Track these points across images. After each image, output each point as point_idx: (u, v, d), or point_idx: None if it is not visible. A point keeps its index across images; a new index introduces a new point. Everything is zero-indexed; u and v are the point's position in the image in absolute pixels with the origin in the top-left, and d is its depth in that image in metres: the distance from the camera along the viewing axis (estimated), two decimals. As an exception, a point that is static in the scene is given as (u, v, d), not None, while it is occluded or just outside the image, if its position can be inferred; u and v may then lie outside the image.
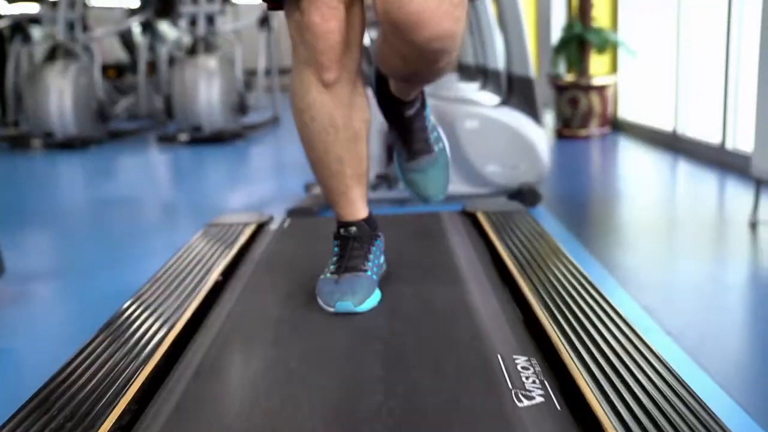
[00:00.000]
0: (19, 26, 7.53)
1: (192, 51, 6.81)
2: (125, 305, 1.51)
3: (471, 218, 2.20)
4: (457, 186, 3.60)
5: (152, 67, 8.83)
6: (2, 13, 8.19)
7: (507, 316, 1.39)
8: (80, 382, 1.15)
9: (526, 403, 1.04)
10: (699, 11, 5.11)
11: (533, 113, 3.67)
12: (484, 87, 5.12)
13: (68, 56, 6.78)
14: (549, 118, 6.88)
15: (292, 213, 3.38)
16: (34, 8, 8.32)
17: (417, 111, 1.51)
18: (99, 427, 1.00)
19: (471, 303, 1.43)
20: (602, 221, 3.52)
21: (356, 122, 1.38)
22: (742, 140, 4.29)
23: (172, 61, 8.03)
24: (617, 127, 6.42)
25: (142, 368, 1.19)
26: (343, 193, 1.42)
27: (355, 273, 1.38)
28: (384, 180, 3.53)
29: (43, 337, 2.16)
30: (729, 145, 4.46)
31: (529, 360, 1.18)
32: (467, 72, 6.95)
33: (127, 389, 1.12)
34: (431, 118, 1.59)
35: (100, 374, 1.18)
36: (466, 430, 0.98)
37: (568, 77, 6.20)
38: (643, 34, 6.19)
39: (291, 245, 1.94)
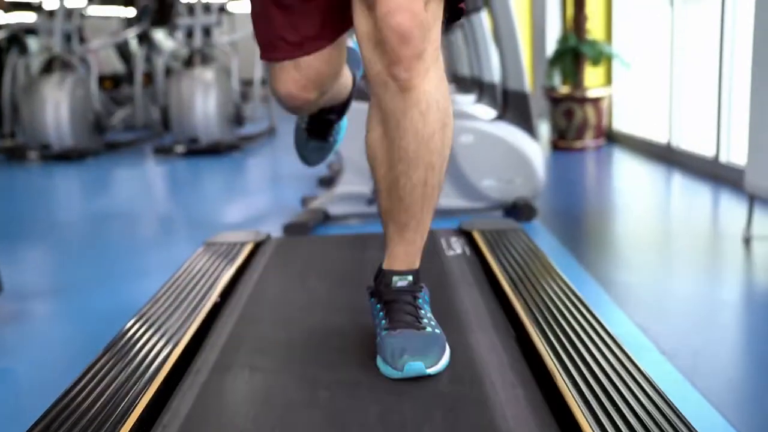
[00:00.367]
0: (16, 37, 7.54)
1: (189, 63, 6.84)
2: (127, 326, 1.53)
3: (467, 236, 2.23)
4: (453, 200, 3.62)
5: (149, 77, 8.86)
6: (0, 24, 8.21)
7: (501, 340, 1.41)
8: (85, 404, 1.17)
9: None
10: (692, 24, 5.15)
11: (528, 128, 3.70)
12: (480, 100, 5.14)
13: (65, 68, 6.80)
14: (544, 129, 6.93)
15: (289, 228, 3.39)
16: (30, 17, 8.34)
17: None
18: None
19: (466, 323, 1.45)
20: (597, 236, 3.55)
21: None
22: (736, 153, 4.33)
23: (168, 71, 8.06)
24: (612, 138, 6.46)
25: (144, 392, 1.21)
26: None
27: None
28: (380, 194, 3.55)
29: (43, 357, 2.17)
30: (723, 158, 4.49)
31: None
32: (463, 84, 6.98)
33: (131, 412, 1.13)
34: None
35: (104, 397, 1.20)
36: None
37: (563, 89, 6.24)
38: (637, 47, 6.24)
39: (286, 266, 1.96)
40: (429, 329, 1.25)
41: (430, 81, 1.14)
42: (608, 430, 1.02)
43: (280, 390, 1.22)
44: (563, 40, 6.29)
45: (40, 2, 11.80)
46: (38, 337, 2.34)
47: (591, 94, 6.08)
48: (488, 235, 2.16)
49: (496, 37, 3.86)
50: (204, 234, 3.59)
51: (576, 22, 6.16)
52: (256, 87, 8.22)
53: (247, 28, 7.28)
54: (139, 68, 8.33)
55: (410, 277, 1.30)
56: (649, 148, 5.71)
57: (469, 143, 3.59)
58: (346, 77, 1.48)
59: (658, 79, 5.70)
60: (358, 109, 1.70)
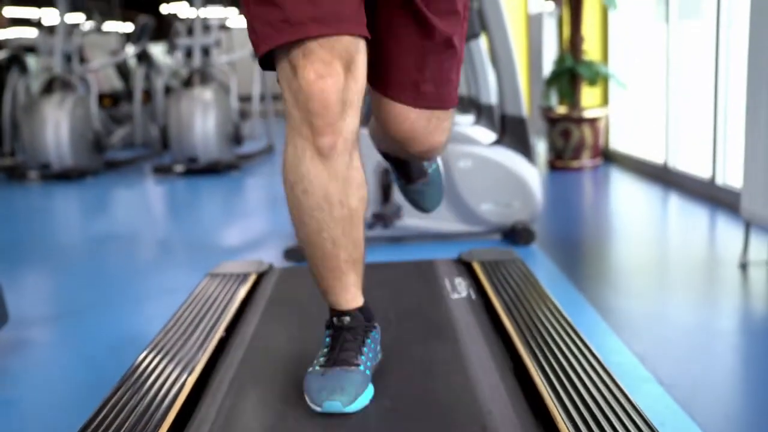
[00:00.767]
0: (16, 57, 7.59)
1: (188, 83, 6.88)
2: (137, 361, 1.56)
3: (467, 267, 2.26)
4: (452, 224, 3.66)
5: (148, 94, 8.91)
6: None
7: (500, 372, 1.44)
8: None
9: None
10: (688, 43, 5.21)
11: (526, 152, 3.74)
12: (478, 121, 5.18)
13: (65, 88, 6.85)
14: (541, 149, 6.97)
15: (289, 253, 3.42)
16: (31, 32, 8.40)
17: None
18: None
19: (464, 356, 1.48)
20: (595, 261, 3.58)
21: (353, 200, 1.26)
22: (732, 176, 4.37)
23: (168, 90, 8.11)
24: (609, 158, 6.51)
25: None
26: (337, 278, 1.30)
27: (346, 367, 1.25)
28: (380, 219, 3.58)
29: (47, 388, 2.18)
30: (719, 181, 4.53)
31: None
32: (461, 104, 7.02)
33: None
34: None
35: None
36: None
37: (560, 109, 6.29)
38: (633, 67, 6.30)
39: (289, 299, 1.98)
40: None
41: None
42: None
43: (293, 424, 1.24)
44: (560, 60, 6.34)
45: (40, 18, 11.84)
46: (42, 367, 2.35)
47: (588, 114, 6.13)
48: (488, 267, 2.19)
49: (494, 62, 3.91)
50: (204, 258, 3.64)
51: (572, 43, 6.22)
52: (254, 103, 8.27)
53: (246, 48, 7.25)
54: (139, 86, 8.39)
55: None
56: (646, 168, 5.76)
57: (468, 168, 3.63)
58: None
59: (655, 100, 5.75)
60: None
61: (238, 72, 7.89)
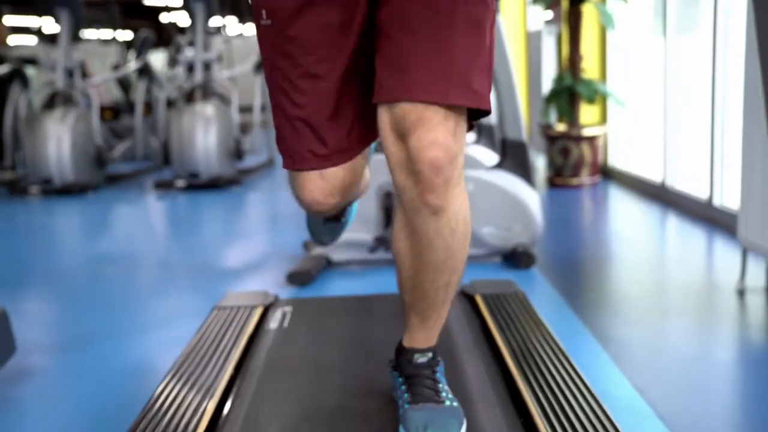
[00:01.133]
0: (18, 71, 7.63)
1: (189, 98, 6.92)
2: (150, 402, 1.59)
3: (469, 299, 2.30)
4: (453, 248, 3.69)
5: (148, 106, 8.96)
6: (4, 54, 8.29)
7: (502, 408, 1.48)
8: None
9: None
10: (685, 60, 5.26)
11: (526, 176, 3.78)
12: (478, 140, 5.23)
13: (67, 103, 6.88)
14: (541, 166, 7.02)
15: (292, 276, 3.45)
16: (32, 41, 8.45)
17: None
18: None
19: (465, 394, 1.52)
20: (594, 285, 3.61)
21: None
22: (729, 197, 4.41)
23: (169, 102, 8.16)
24: (608, 175, 6.55)
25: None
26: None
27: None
28: (382, 242, 3.62)
29: (54, 421, 2.21)
30: (716, 201, 4.57)
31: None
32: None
33: None
34: None
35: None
36: None
37: (560, 127, 6.34)
38: (631, 85, 6.36)
39: (296, 334, 2.02)
40: (447, 402, 1.37)
41: (456, 199, 1.22)
42: None
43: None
44: (559, 79, 6.40)
45: (40, 27, 11.87)
46: (50, 399, 2.38)
47: (587, 132, 6.17)
48: (490, 300, 2.23)
49: (494, 85, 3.95)
50: (207, 282, 3.67)
51: (571, 62, 6.27)
52: (255, 113, 8.32)
53: (247, 63, 7.35)
54: (140, 100, 8.44)
55: (430, 354, 1.43)
56: (644, 186, 5.80)
57: (470, 192, 3.65)
58: (366, 177, 1.55)
59: (653, 118, 5.80)
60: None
61: (238, 82, 7.95)
